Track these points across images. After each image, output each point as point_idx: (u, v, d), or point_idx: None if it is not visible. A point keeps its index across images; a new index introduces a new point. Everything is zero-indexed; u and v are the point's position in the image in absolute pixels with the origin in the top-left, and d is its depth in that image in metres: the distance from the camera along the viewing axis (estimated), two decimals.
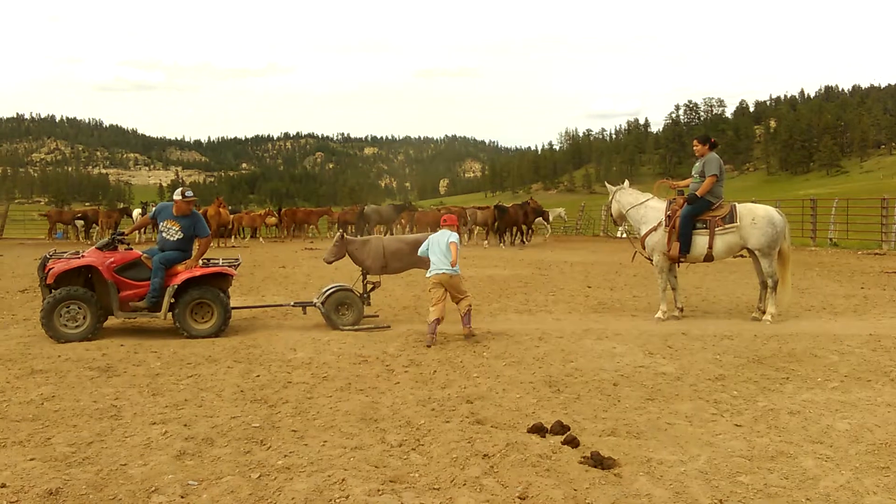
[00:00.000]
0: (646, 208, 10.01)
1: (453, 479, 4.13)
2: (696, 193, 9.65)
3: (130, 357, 7.34)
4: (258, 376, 6.56)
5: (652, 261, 10.00)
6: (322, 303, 9.24)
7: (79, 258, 8.57)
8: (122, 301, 8.50)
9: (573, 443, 4.68)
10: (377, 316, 9.96)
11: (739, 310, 10.61)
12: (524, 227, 27.79)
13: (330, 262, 9.94)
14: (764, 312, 9.57)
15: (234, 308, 9.09)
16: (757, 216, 9.51)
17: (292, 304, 9.96)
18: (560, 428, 4.95)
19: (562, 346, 7.89)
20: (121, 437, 4.85)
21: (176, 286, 8.50)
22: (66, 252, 9.13)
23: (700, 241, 9.57)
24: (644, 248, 10.07)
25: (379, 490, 3.99)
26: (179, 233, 8.80)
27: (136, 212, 29.87)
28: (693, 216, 9.55)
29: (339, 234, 10.01)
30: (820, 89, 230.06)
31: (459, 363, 7.10)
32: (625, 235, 22.06)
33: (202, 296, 8.58)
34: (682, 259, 9.76)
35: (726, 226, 9.51)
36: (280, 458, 4.47)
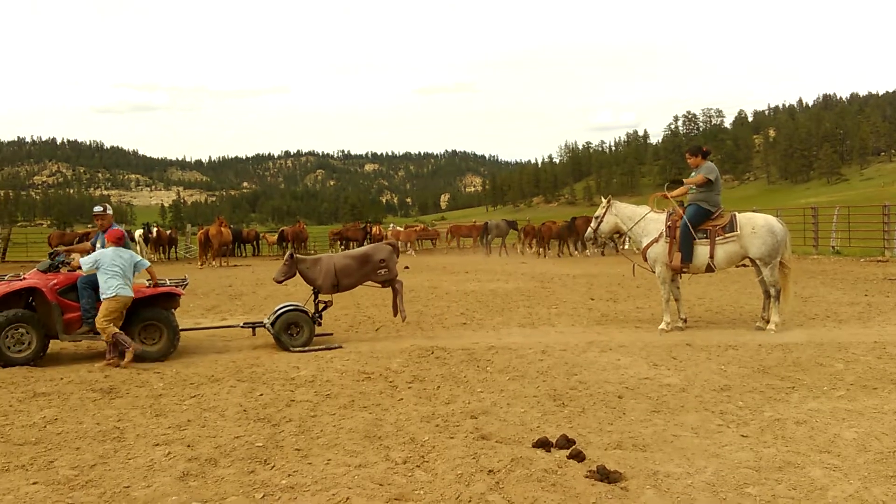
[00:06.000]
0: (646, 221, 10.02)
1: (458, 496, 4.09)
2: (684, 181, 9.97)
3: (133, 378, 7.31)
4: (261, 395, 6.53)
5: (654, 271, 10.01)
6: (272, 323, 9.09)
7: (20, 280, 8.37)
8: (67, 323, 8.30)
9: (579, 457, 4.64)
10: (332, 334, 9.84)
11: (743, 319, 10.58)
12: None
13: (280, 282, 9.74)
14: (768, 322, 9.54)
15: (182, 330, 8.95)
16: (757, 225, 9.51)
17: (241, 325, 9.90)
18: (565, 442, 4.92)
19: (565, 359, 7.86)
20: (124, 460, 4.83)
21: None
22: (7, 275, 8.99)
23: (701, 251, 9.57)
24: (645, 261, 10.08)
25: None
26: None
27: (138, 233, 29.87)
28: (693, 226, 9.56)
29: (289, 253, 9.89)
30: (818, 98, 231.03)
31: (463, 378, 7.07)
32: (626, 247, 22.06)
33: (152, 317, 8.48)
34: (684, 270, 9.75)
35: (726, 235, 9.51)
36: (284, 478, 4.43)
